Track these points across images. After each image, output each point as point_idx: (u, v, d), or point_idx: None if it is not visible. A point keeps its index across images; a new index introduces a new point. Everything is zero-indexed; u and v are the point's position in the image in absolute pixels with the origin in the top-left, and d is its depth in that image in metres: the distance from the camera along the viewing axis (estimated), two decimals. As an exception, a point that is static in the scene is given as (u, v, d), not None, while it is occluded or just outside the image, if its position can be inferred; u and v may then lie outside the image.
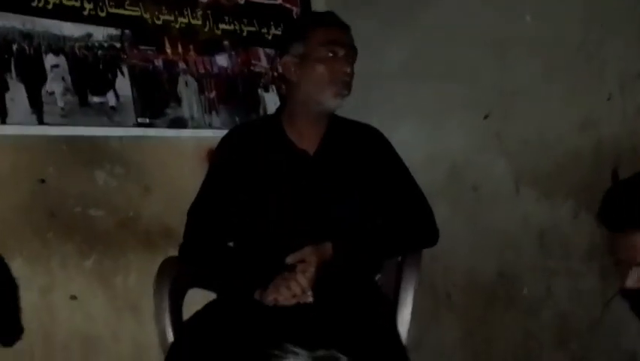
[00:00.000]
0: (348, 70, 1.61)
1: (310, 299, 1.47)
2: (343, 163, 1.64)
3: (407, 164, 1.73)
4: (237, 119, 2.30)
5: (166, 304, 1.53)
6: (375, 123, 1.77)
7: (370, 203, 1.64)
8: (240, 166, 1.64)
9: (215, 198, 1.64)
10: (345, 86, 1.61)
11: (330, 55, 1.59)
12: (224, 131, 2.16)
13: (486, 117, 2.26)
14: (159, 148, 2.10)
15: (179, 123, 2.16)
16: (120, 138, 2.01)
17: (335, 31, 1.63)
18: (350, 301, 1.54)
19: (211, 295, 1.66)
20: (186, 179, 2.09)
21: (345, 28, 1.66)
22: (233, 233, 1.64)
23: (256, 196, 1.61)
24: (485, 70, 2.25)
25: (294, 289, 1.46)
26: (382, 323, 1.55)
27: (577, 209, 2.04)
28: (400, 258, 1.73)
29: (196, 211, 1.68)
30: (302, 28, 1.65)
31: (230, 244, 1.68)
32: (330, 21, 1.66)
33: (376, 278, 1.71)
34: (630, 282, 1.27)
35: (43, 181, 1.84)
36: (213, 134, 2.19)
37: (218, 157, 1.71)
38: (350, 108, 1.71)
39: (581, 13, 2.07)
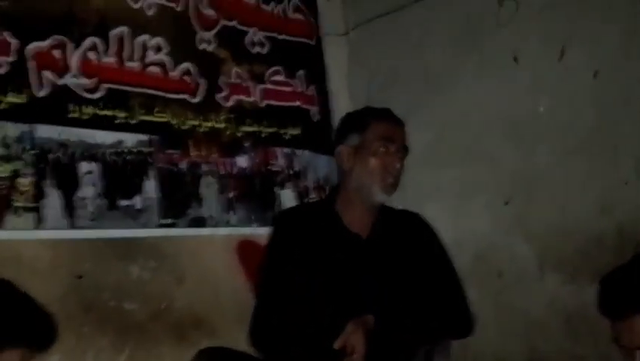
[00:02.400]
0: (398, 166, 1.88)
1: None
2: (394, 248, 1.90)
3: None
4: (253, 216, 2.65)
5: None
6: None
7: (415, 288, 1.87)
8: (296, 248, 1.89)
9: (279, 282, 1.87)
10: (395, 181, 1.88)
11: (383, 150, 1.88)
12: (241, 229, 2.56)
13: (507, 203, 2.57)
14: (191, 241, 2.43)
15: (198, 222, 2.49)
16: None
17: (391, 128, 1.92)
18: None
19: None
20: (218, 270, 2.43)
21: (401, 125, 1.95)
22: (297, 312, 1.85)
23: (311, 278, 1.85)
24: (504, 154, 2.59)
25: None
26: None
27: (603, 293, 2.28)
28: (429, 347, 1.96)
29: (263, 294, 1.90)
30: (361, 121, 1.93)
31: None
32: (388, 117, 1.94)
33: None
34: None
35: (80, 277, 2.14)
36: (230, 232, 2.56)
37: (275, 238, 1.95)
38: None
39: (594, 98, 2.42)
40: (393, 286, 1.86)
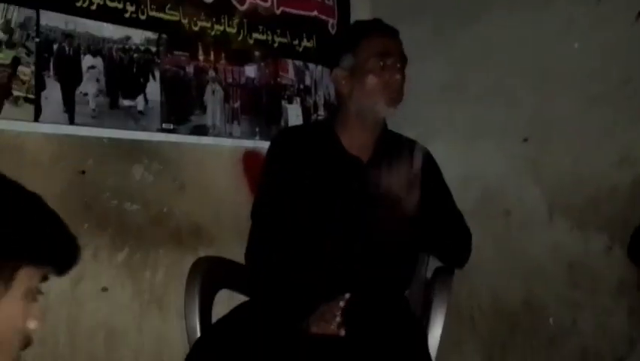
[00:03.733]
0: (399, 77, 1.92)
1: (342, 333, 1.77)
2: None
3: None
4: (257, 129, 2.72)
5: (196, 303, 1.88)
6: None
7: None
8: (294, 169, 1.96)
9: (276, 201, 1.96)
10: (398, 94, 1.94)
11: (381, 64, 1.91)
12: (243, 141, 2.64)
13: (525, 140, 2.64)
14: (197, 147, 2.51)
15: (200, 131, 2.56)
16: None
17: (384, 41, 1.95)
18: (382, 322, 1.85)
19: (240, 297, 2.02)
20: (220, 180, 2.53)
21: (394, 35, 1.98)
22: (293, 235, 1.94)
23: (309, 201, 1.93)
24: (525, 95, 2.65)
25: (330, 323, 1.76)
26: (415, 347, 1.89)
27: (609, 243, 2.41)
28: (430, 280, 2.08)
29: (259, 215, 1.99)
30: (351, 40, 1.98)
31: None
32: (379, 30, 1.97)
33: (405, 293, 2.06)
34: None
35: (83, 172, 2.23)
36: (232, 144, 2.64)
37: (273, 159, 2.04)
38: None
39: (626, 48, 2.46)
40: (393, 207, 1.89)
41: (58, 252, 1.04)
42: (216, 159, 2.57)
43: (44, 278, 1.04)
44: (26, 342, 1.03)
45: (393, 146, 2.01)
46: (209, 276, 1.98)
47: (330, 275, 1.89)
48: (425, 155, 2.06)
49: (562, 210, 2.54)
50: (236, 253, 2.04)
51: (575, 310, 2.46)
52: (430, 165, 2.06)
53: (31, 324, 1.03)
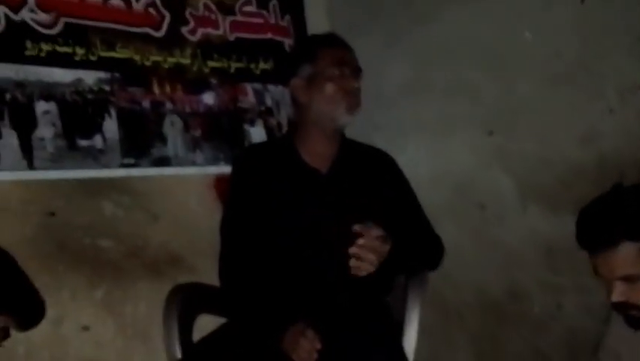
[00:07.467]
0: (357, 85, 2.15)
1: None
2: (355, 183, 2.17)
3: (413, 182, 2.27)
4: (221, 155, 2.95)
5: (175, 330, 2.05)
6: (379, 142, 2.34)
7: (380, 223, 2.10)
8: (255, 185, 2.15)
9: (240, 218, 2.15)
10: (356, 101, 2.15)
11: (338, 73, 2.14)
12: (208, 168, 2.87)
13: (491, 134, 2.88)
14: (164, 179, 2.75)
15: (163, 162, 2.79)
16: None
17: (341, 51, 2.18)
18: (359, 323, 2.04)
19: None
20: (193, 207, 2.76)
21: (349, 48, 2.22)
22: (259, 252, 2.12)
23: (271, 217, 2.12)
24: (486, 86, 2.89)
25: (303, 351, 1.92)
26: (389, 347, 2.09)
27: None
28: (404, 280, 2.27)
29: (225, 231, 2.18)
30: (310, 50, 2.20)
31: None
32: (336, 42, 2.22)
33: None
34: (615, 297, 1.69)
35: (52, 214, 2.44)
36: (197, 172, 2.87)
37: (236, 176, 2.23)
38: (354, 128, 2.30)
39: (579, 27, 2.69)
40: (354, 218, 2.06)
41: (22, 303, 1.18)
42: (185, 187, 2.80)
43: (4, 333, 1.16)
44: None
45: (353, 156, 2.21)
46: (187, 301, 2.15)
47: (297, 292, 2.07)
48: (387, 162, 2.28)
49: (534, 196, 2.76)
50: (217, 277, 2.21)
51: (557, 293, 2.67)
52: (392, 171, 2.26)
53: None
